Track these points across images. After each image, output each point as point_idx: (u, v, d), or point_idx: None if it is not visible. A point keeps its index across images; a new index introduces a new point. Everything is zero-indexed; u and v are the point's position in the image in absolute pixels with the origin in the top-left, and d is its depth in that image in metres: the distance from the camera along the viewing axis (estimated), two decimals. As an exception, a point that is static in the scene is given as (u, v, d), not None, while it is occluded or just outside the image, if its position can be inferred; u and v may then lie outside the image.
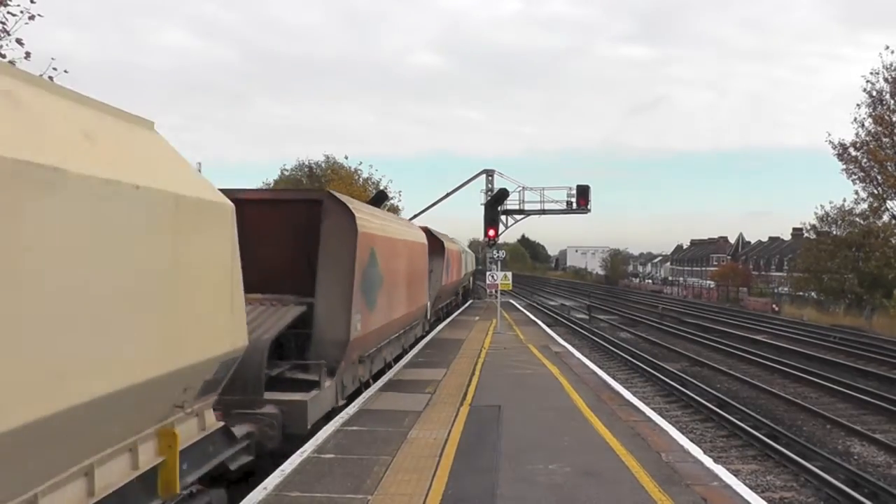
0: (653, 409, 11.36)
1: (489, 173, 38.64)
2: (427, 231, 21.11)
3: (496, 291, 24.41)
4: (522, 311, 34.69)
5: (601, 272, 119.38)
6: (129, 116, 4.41)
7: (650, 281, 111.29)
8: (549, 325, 28.02)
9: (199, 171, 6.18)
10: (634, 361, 21.39)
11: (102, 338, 3.45)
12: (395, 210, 37.02)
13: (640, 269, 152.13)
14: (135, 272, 3.75)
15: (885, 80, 37.67)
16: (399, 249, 12.83)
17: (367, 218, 10.22)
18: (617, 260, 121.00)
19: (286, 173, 40.36)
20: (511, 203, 37.45)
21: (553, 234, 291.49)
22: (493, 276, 22.99)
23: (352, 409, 10.22)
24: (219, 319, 4.90)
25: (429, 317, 19.55)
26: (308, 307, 8.95)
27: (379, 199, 31.10)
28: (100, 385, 3.41)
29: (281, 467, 7.37)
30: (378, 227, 11.06)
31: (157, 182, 4.05)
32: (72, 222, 3.24)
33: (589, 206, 37.35)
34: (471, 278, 44.10)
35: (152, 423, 4.26)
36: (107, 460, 3.79)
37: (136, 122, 4.49)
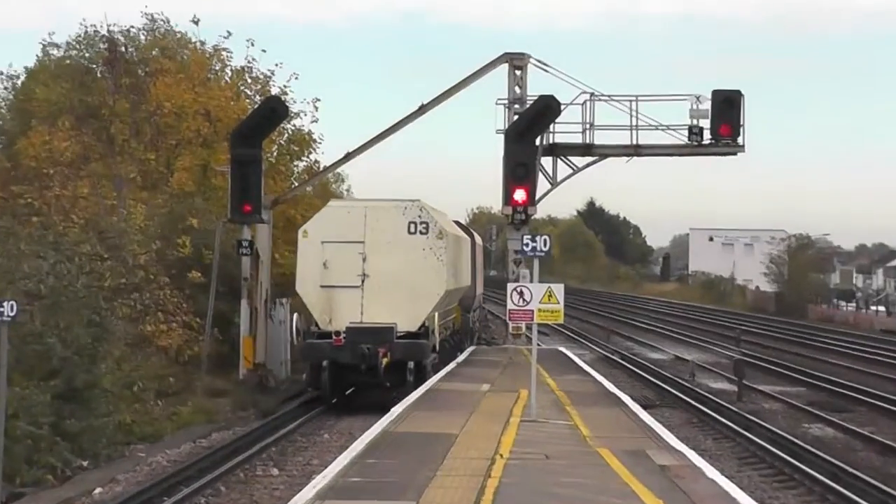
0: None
1: (516, 62, 20.69)
2: None
3: (527, 327, 15.62)
4: (585, 370, 19.27)
5: (767, 285, 63.08)
6: (445, 215, 22.54)
7: (884, 309, 50.67)
8: (644, 405, 16.32)
9: None
10: (849, 494, 10.49)
11: (461, 273, 21.58)
12: (308, 140, 24.64)
13: (859, 279, 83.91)
14: (461, 257, 21.68)
15: None
16: (479, 254, 32.46)
17: (477, 237, 31.89)
18: (804, 259, 59.72)
19: (53, 54, 23.60)
20: (566, 131, 20.60)
21: (657, 202, 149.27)
22: (521, 294, 11.92)
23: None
24: (467, 274, 23.46)
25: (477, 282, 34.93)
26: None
27: (269, 113, 19.69)
28: (463, 283, 22.00)
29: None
30: (477, 238, 32.13)
31: (458, 233, 22.38)
32: (459, 247, 21.24)
33: (740, 140, 20.19)
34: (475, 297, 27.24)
35: (459, 299, 22.36)
36: (452, 310, 21.48)
37: (446, 216, 22.38)
